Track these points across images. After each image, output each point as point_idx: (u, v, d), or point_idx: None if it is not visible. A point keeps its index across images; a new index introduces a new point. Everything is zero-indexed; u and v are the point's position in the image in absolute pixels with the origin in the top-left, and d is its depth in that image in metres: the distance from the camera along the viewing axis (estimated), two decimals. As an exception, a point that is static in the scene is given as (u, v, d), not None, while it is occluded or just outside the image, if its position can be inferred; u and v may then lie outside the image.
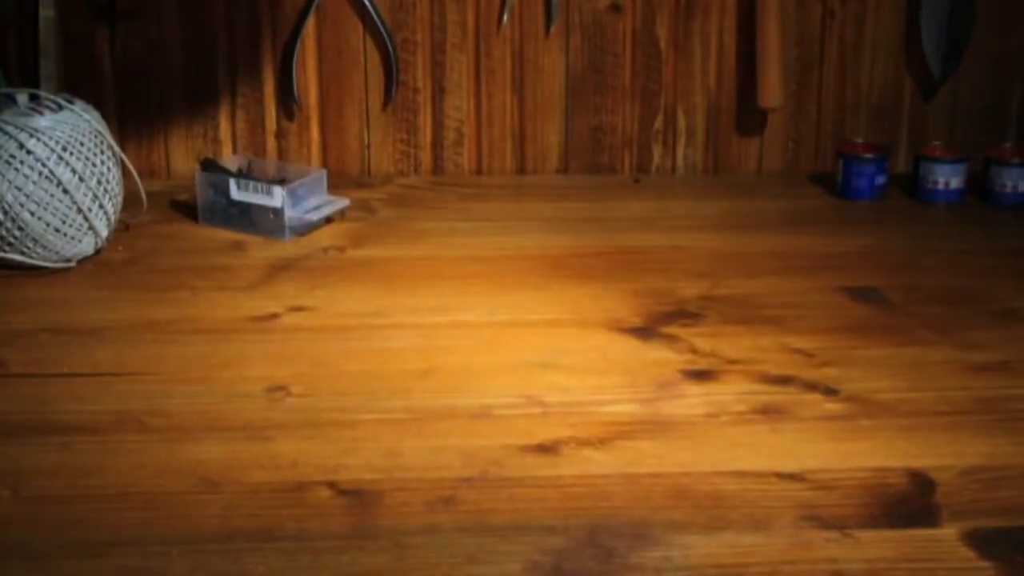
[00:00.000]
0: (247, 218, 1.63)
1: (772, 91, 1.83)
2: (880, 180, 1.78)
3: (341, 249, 1.59)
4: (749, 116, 1.88)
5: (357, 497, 1.04)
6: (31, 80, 1.73)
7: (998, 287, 1.49)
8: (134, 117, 1.82)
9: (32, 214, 1.46)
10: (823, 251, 1.60)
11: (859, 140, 1.83)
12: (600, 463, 1.11)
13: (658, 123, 1.88)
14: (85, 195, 1.49)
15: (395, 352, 1.32)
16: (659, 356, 1.31)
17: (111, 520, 1.02)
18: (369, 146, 1.86)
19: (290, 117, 1.84)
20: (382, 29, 1.80)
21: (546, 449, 1.13)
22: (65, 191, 1.47)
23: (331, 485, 1.05)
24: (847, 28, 1.86)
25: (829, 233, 1.67)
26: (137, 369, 1.27)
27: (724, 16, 1.84)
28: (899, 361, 1.30)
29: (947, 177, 1.76)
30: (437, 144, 1.86)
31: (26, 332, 1.35)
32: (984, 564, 0.97)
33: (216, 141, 1.84)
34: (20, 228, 1.47)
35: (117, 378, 1.25)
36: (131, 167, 1.58)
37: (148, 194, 1.62)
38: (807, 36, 1.86)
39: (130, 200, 1.59)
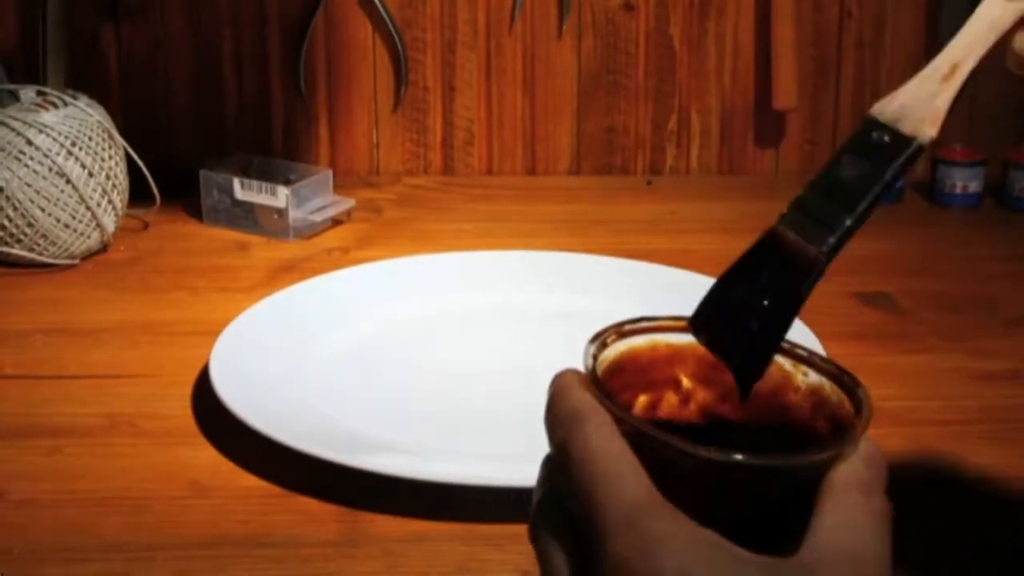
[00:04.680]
0: (251, 218, 1.61)
1: (787, 92, 1.81)
2: (897, 183, 1.74)
3: (345, 251, 1.57)
4: (764, 117, 1.86)
5: (347, 503, 1.02)
6: (37, 76, 1.72)
7: (1013, 294, 1.47)
8: (139, 114, 1.81)
9: (42, 210, 1.46)
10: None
11: (876, 142, 1.81)
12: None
13: (672, 124, 1.86)
14: (94, 190, 1.48)
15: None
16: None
17: (97, 525, 1.00)
18: (378, 145, 1.84)
19: (297, 116, 1.83)
20: (391, 27, 1.79)
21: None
22: (74, 187, 1.46)
23: (321, 491, 1.03)
24: (865, 28, 1.83)
25: (843, 237, 1.64)
26: (133, 371, 1.26)
27: (739, 16, 1.82)
28: (907, 369, 1.28)
29: (965, 180, 1.73)
30: (447, 144, 1.85)
31: (22, 332, 1.34)
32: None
33: (222, 139, 1.83)
34: (30, 224, 1.46)
35: (111, 380, 1.23)
36: (140, 163, 1.57)
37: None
38: (824, 36, 1.83)
39: (137, 197, 1.58)
